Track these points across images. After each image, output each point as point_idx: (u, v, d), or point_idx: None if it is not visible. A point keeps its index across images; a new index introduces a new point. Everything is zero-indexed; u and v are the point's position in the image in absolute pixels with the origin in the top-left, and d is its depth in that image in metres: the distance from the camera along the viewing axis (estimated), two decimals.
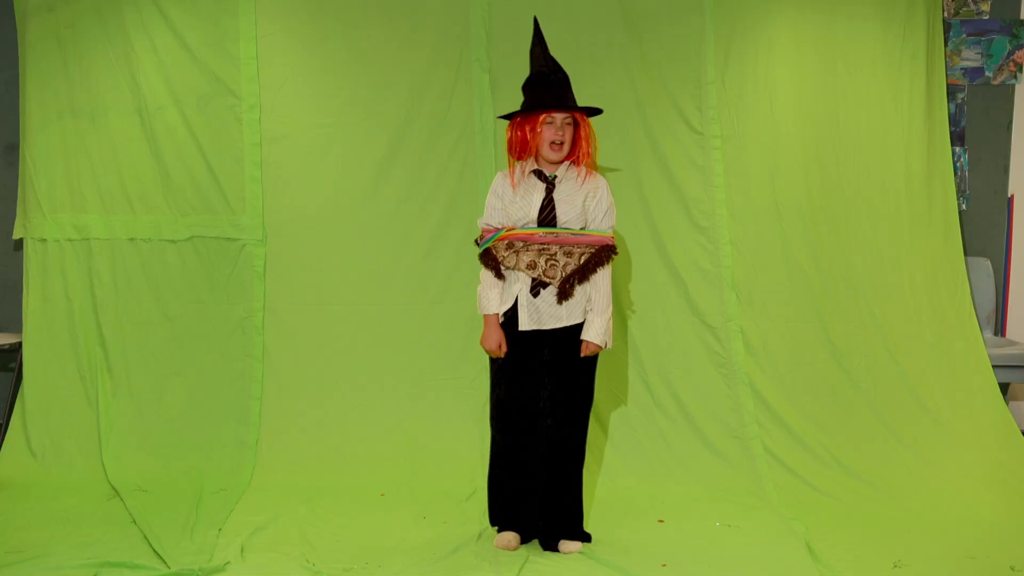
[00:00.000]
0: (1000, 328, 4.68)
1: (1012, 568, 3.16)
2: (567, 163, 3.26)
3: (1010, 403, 4.56)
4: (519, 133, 3.22)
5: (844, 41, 4.21)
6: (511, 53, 4.18)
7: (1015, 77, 4.63)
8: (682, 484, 3.97)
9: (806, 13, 4.20)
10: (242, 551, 3.21)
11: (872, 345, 4.15)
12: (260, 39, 4.17)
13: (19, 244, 4.41)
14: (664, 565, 3.15)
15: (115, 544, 3.28)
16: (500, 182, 3.30)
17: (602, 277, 3.23)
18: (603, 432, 4.15)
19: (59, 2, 4.21)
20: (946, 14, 4.55)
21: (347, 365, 4.20)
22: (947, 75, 4.46)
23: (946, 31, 4.54)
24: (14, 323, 4.52)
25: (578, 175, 3.26)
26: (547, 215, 3.21)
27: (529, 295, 3.21)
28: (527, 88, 3.25)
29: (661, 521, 3.62)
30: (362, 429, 4.14)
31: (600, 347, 3.23)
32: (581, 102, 3.29)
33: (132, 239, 4.22)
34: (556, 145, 3.20)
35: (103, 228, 4.22)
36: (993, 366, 4.19)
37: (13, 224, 4.35)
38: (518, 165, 3.28)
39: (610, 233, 3.28)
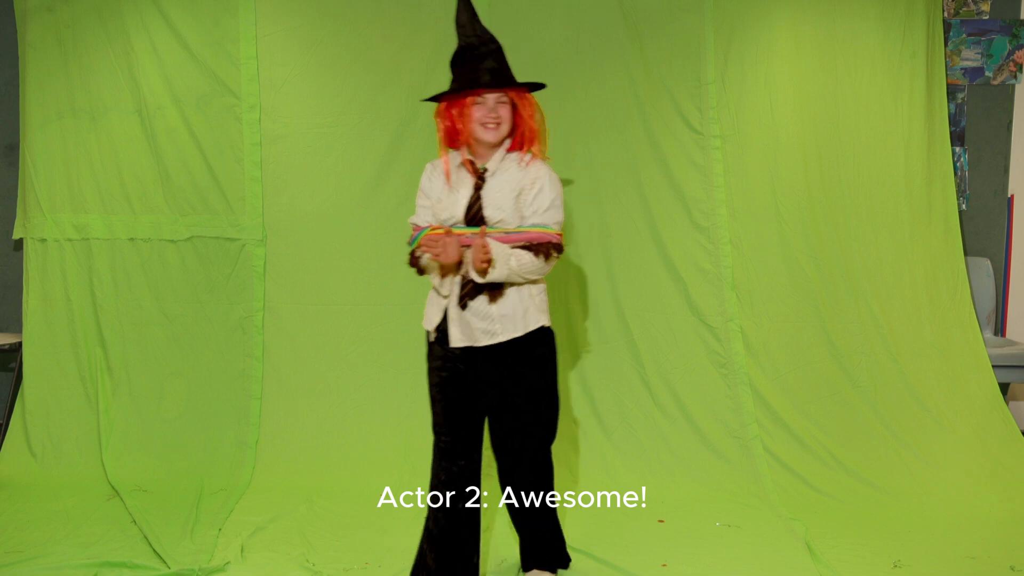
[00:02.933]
0: (1000, 328, 4.68)
1: (1012, 568, 3.16)
2: (503, 151, 2.81)
3: (1010, 403, 4.56)
4: (446, 120, 2.81)
5: (844, 41, 4.21)
6: (511, 53, 4.17)
7: (1015, 77, 4.63)
8: (682, 484, 3.97)
9: (806, 13, 4.20)
10: (242, 551, 3.22)
11: (872, 345, 4.15)
12: (260, 39, 4.17)
13: (19, 244, 4.42)
14: (664, 565, 3.15)
15: (115, 544, 3.29)
16: (427, 176, 2.88)
17: (528, 256, 2.72)
18: (603, 432, 4.15)
19: (59, 2, 4.22)
20: (946, 14, 4.55)
21: (347, 365, 4.20)
22: (947, 75, 4.47)
23: (946, 31, 4.54)
24: (14, 323, 4.52)
25: (519, 164, 2.79)
26: (475, 214, 2.76)
27: (458, 307, 2.78)
28: (453, 65, 2.83)
29: (661, 521, 3.62)
30: (362, 429, 4.14)
31: (488, 256, 2.64)
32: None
33: (132, 239, 4.22)
34: (490, 125, 2.75)
35: (103, 228, 4.22)
36: (993, 366, 4.19)
37: (13, 224, 4.36)
38: (450, 156, 2.88)
39: (555, 230, 2.77)
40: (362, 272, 4.22)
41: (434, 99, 2.85)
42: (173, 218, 4.21)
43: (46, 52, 4.23)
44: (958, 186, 4.53)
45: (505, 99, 2.77)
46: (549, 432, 2.92)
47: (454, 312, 2.79)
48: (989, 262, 4.60)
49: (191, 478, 3.95)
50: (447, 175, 2.83)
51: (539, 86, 2.87)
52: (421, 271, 2.86)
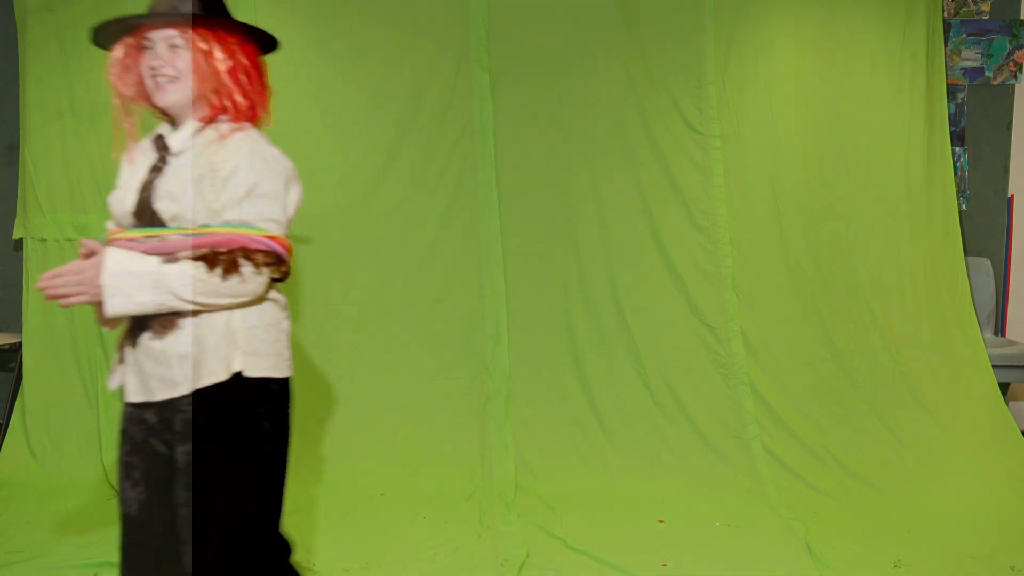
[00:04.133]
0: (1000, 328, 4.68)
1: (1012, 568, 3.16)
2: (193, 121, 1.97)
3: (1010, 403, 4.56)
4: (110, 72, 1.97)
5: (844, 41, 4.21)
6: (511, 53, 4.19)
7: (1015, 77, 4.63)
8: (682, 484, 3.97)
9: (806, 13, 4.20)
10: None
11: (872, 345, 4.15)
12: None
13: (19, 244, 4.41)
14: (664, 565, 3.15)
15: (115, 544, 3.27)
16: (125, 159, 2.06)
17: (195, 271, 1.80)
18: (603, 432, 4.15)
19: (59, 2, 4.21)
20: (946, 14, 4.55)
21: (347, 365, 4.20)
22: (947, 75, 4.47)
23: (946, 31, 4.54)
24: (14, 323, 4.52)
25: (218, 140, 1.92)
26: (143, 207, 1.93)
27: (128, 342, 1.94)
28: None
29: (661, 521, 3.62)
30: (362, 429, 4.14)
31: (97, 284, 1.80)
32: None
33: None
34: (160, 79, 1.90)
35: (103, 228, 4.22)
36: (993, 366, 4.19)
37: (13, 224, 4.36)
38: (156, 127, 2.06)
39: (262, 229, 1.87)
40: (361, 272, 4.22)
41: (99, 44, 2.01)
42: None
43: (46, 52, 4.23)
44: (958, 186, 4.53)
45: (180, 42, 1.89)
46: (240, 520, 1.91)
47: (128, 351, 1.94)
48: (989, 262, 4.60)
49: None
50: (116, 151, 2.04)
51: (269, 42, 2.04)
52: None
